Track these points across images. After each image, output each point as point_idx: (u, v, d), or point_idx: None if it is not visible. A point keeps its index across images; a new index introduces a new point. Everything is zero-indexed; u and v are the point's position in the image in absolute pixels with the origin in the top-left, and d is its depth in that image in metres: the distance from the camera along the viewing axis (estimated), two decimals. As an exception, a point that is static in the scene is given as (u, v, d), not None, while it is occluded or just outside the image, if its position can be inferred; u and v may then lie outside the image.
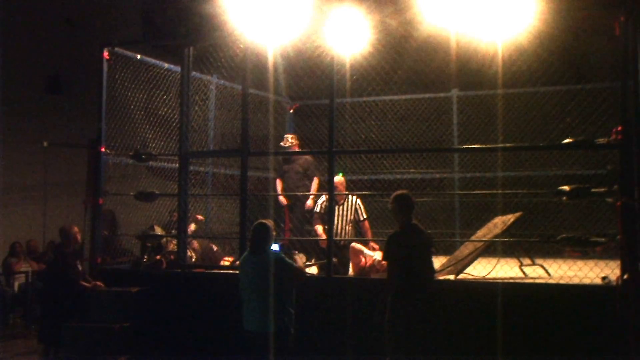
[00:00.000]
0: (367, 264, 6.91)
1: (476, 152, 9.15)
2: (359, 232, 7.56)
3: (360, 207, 7.49)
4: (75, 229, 7.21)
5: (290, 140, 8.36)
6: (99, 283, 6.98)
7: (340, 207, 7.43)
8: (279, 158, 8.37)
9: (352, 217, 7.46)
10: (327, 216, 6.74)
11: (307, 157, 8.20)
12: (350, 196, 7.53)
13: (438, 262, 6.84)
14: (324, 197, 7.38)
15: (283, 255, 5.29)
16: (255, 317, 5.13)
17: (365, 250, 7.01)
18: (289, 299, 5.21)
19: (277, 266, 5.15)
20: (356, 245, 7.05)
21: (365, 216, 7.50)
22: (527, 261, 6.92)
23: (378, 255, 6.78)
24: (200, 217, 8.33)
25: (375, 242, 7.19)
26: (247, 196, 7.03)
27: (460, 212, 9.36)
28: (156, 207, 8.12)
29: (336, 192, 7.13)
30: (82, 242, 7.55)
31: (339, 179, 7.42)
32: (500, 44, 6.37)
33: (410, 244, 5.18)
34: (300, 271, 5.39)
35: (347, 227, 7.43)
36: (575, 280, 5.99)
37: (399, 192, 5.44)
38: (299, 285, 5.30)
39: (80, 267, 7.05)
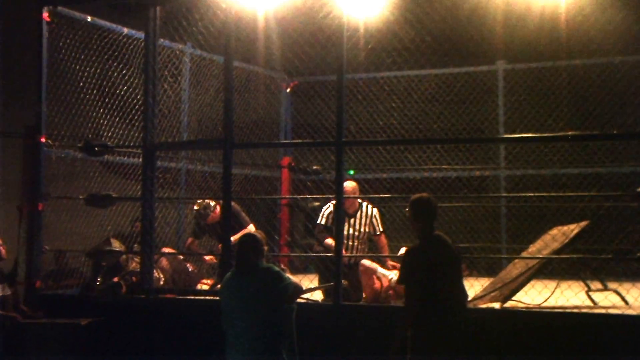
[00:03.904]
0: (384, 286, 6.92)
1: (528, 143, 9.12)
2: (374, 249, 7.52)
3: (376, 219, 7.46)
4: None
5: (209, 208, 8.04)
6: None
7: (352, 219, 7.39)
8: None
9: (367, 231, 7.43)
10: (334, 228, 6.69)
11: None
12: (364, 205, 7.48)
13: (479, 285, 6.89)
14: (331, 206, 7.33)
15: (278, 269, 5.26)
16: (243, 355, 5.09)
17: (380, 269, 6.99)
18: (288, 329, 5.19)
19: (273, 285, 5.11)
20: (367, 263, 7.01)
21: (381, 229, 7.48)
22: (596, 285, 6.89)
23: (395, 274, 6.77)
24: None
25: (394, 259, 7.19)
26: (232, 200, 6.97)
27: (508, 220, 9.34)
28: (113, 215, 8.09)
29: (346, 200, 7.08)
30: (15, 260, 7.49)
31: (350, 185, 7.36)
32: (562, 2, 6.32)
33: (432, 261, 5.13)
34: (298, 289, 5.40)
35: (360, 246, 7.42)
36: (663, 311, 5.95)
37: (417, 195, 5.40)
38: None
39: (7, 291, 6.98)
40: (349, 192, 7.34)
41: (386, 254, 7.49)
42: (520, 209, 9.28)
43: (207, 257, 8.09)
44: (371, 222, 7.46)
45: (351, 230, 7.36)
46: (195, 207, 7.98)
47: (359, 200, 7.49)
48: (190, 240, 8.18)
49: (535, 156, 9.26)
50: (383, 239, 7.53)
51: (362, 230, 7.42)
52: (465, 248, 8.88)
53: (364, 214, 7.45)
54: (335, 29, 6.75)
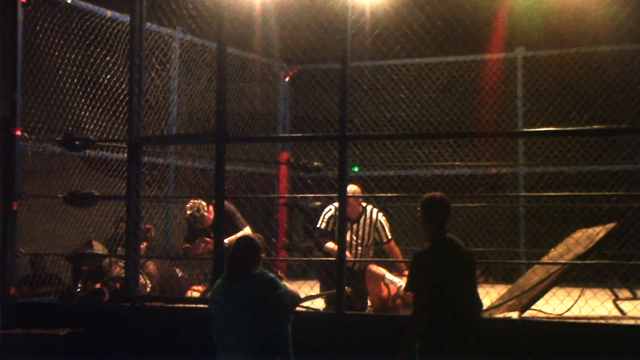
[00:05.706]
0: (391, 294, 6.95)
1: (550, 138, 9.09)
2: (382, 255, 7.53)
3: (382, 224, 7.43)
4: None
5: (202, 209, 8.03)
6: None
7: (355, 225, 7.37)
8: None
9: (372, 238, 7.41)
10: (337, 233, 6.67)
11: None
12: (368, 209, 7.45)
13: (495, 292, 6.91)
14: (332, 209, 7.32)
15: (272, 275, 5.25)
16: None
17: (388, 275, 7.01)
18: (284, 341, 5.17)
19: (266, 292, 5.10)
20: (374, 268, 7.01)
21: (390, 236, 7.45)
22: (624, 293, 6.87)
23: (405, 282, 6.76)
24: (148, 226, 8.17)
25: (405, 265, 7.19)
26: (225, 199, 6.96)
27: (527, 222, 9.35)
28: (95, 215, 8.10)
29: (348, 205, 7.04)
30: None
31: (351, 188, 7.33)
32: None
33: (443, 266, 5.12)
34: (296, 297, 5.39)
35: (364, 254, 7.40)
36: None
37: (429, 194, 5.40)
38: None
39: None
40: (351, 198, 7.29)
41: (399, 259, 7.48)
42: (541, 209, 9.29)
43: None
44: (376, 228, 7.40)
45: (354, 237, 7.31)
46: (188, 212, 7.96)
47: (363, 204, 7.45)
48: (186, 246, 8.16)
49: (558, 152, 9.24)
50: (393, 246, 7.48)
51: (365, 237, 7.38)
52: (480, 252, 8.88)
53: (367, 219, 7.41)
54: (338, 12, 6.70)
